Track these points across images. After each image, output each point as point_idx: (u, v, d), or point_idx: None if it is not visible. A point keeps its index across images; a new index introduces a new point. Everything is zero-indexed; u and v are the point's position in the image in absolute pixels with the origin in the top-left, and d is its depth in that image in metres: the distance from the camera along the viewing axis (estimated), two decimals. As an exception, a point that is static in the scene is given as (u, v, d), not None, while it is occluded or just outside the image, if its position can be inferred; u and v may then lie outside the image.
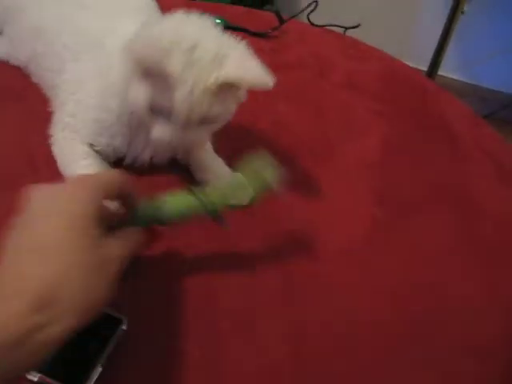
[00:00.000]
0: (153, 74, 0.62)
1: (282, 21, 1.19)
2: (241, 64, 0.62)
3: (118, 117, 0.74)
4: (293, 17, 1.22)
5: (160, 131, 0.65)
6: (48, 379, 0.52)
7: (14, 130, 0.84)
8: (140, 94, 0.64)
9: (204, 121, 0.65)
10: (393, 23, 2.20)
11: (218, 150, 0.81)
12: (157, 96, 0.63)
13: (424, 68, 2.04)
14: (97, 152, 0.76)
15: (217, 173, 0.78)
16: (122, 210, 0.58)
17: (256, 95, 0.86)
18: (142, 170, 0.78)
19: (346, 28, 1.29)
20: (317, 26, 1.24)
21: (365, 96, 1.05)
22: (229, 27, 1.13)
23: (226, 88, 0.62)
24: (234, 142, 0.83)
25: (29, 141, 0.80)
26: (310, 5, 1.21)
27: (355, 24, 1.28)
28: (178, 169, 0.80)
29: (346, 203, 0.80)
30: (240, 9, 1.35)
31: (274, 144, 0.88)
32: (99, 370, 0.53)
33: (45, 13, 0.87)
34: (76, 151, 0.75)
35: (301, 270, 0.69)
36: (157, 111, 0.64)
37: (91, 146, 0.76)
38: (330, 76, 1.09)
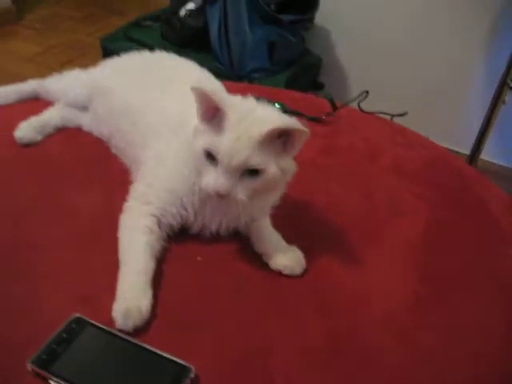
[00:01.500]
0: (210, 117, 0.77)
1: (335, 107, 1.30)
2: (283, 118, 0.77)
3: (190, 187, 0.84)
4: (345, 104, 1.33)
5: (208, 178, 0.77)
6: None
7: (97, 194, 0.96)
8: (199, 138, 0.77)
9: (245, 172, 0.75)
10: (437, 110, 2.31)
11: (275, 226, 0.90)
12: (210, 140, 0.76)
13: (467, 152, 2.13)
14: (162, 223, 0.84)
15: (274, 245, 0.87)
16: None
17: (311, 176, 0.96)
18: (206, 239, 0.88)
19: (393, 115, 1.38)
20: (367, 112, 1.34)
21: (409, 180, 1.13)
22: (286, 111, 1.23)
23: (268, 142, 0.75)
24: (290, 219, 0.93)
25: (108, 205, 0.91)
26: (361, 94, 1.32)
27: (402, 111, 1.37)
28: (240, 240, 0.89)
29: (390, 278, 0.87)
30: (295, 93, 1.47)
31: (326, 221, 0.97)
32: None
33: (132, 95, 0.99)
34: (138, 223, 0.83)
35: (346, 331, 0.77)
36: (209, 157, 0.76)
37: (158, 218, 0.84)
38: (378, 160, 1.18)
